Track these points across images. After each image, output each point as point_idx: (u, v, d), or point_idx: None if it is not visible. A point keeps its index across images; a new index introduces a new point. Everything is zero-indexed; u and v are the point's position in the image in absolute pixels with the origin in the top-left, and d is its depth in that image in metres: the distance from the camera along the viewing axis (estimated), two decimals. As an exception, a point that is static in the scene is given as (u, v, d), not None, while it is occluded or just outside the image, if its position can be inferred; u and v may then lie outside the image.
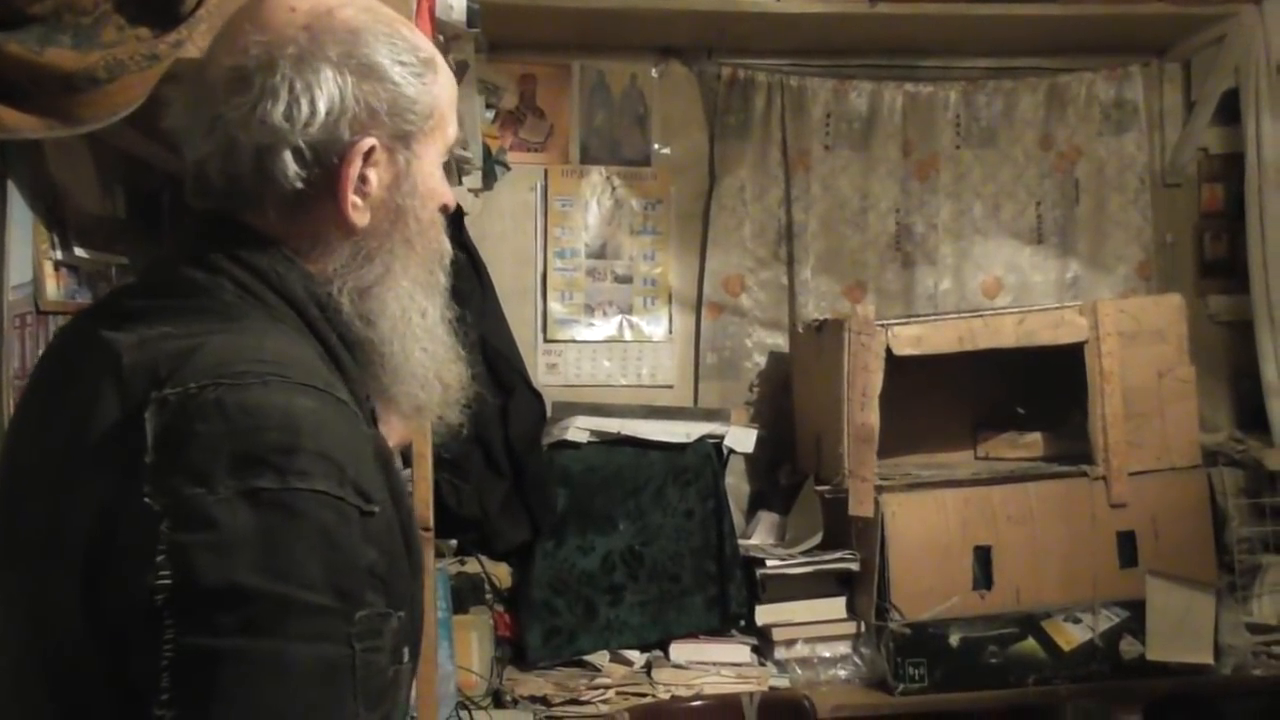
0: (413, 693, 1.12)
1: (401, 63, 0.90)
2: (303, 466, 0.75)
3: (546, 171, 2.88)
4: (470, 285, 2.52)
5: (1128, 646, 2.31)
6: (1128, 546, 2.37)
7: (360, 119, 0.87)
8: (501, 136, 2.80)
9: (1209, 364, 2.80)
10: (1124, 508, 2.37)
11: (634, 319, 2.90)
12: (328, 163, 0.87)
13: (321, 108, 0.86)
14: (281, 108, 0.85)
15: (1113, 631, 2.31)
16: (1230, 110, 2.90)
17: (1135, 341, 2.41)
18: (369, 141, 0.88)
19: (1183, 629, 2.28)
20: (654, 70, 2.92)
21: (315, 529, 0.74)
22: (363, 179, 0.88)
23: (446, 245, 0.98)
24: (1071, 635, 2.30)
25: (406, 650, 0.85)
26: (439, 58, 0.94)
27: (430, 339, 0.94)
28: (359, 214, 0.89)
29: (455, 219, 2.53)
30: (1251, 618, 2.47)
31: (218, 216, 0.89)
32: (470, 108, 2.48)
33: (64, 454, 0.80)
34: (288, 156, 0.86)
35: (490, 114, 2.72)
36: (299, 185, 0.86)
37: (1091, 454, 2.39)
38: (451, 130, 0.95)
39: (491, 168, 2.72)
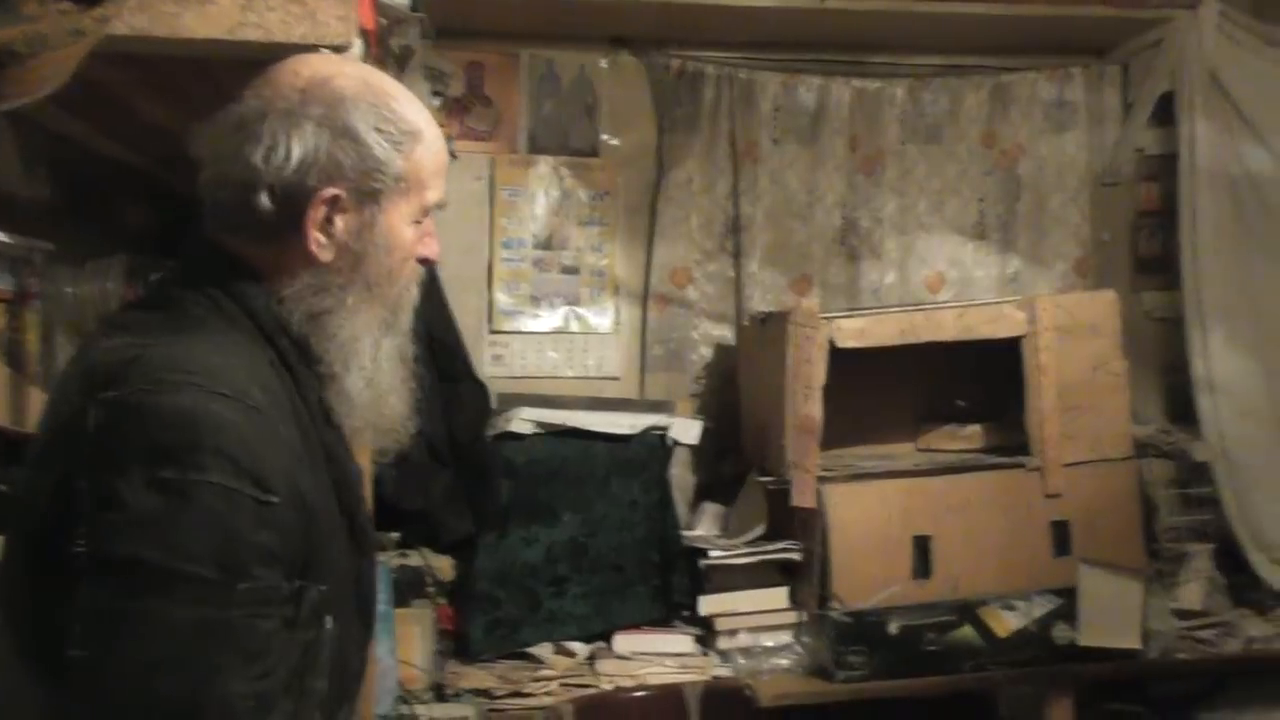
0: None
1: (379, 130, 1.04)
2: (200, 461, 0.90)
3: (493, 161, 2.86)
4: None
5: (1061, 632, 2.35)
6: (1061, 535, 2.41)
7: (329, 171, 1.02)
8: (448, 124, 2.75)
9: (1142, 358, 2.86)
10: (1058, 498, 2.42)
11: (580, 310, 2.89)
12: (296, 203, 1.02)
13: (296, 156, 1.01)
14: (261, 151, 1.01)
15: (1046, 618, 2.35)
16: (1166, 112, 2.96)
17: (1071, 336, 2.45)
18: (333, 191, 1.03)
19: (1112, 615, 2.33)
20: (603, 61, 2.91)
21: (205, 513, 0.90)
22: (330, 221, 1.03)
23: (414, 293, 1.12)
24: (1007, 622, 2.35)
25: (330, 618, 1.00)
26: (429, 131, 1.09)
27: (376, 371, 1.08)
28: (323, 251, 1.03)
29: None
30: (1177, 604, 2.53)
31: (207, 240, 1.05)
32: (415, 94, 2.44)
33: (45, 440, 0.98)
34: (263, 194, 1.01)
35: (436, 101, 2.68)
36: (271, 219, 1.02)
37: (1028, 446, 2.44)
38: (432, 194, 1.08)
39: (438, 156, 2.69)
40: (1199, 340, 2.79)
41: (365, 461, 1.70)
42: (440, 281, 2.55)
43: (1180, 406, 2.91)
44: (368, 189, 1.04)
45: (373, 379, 1.08)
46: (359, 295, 1.05)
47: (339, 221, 1.03)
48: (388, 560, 2.27)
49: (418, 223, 1.08)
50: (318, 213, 1.02)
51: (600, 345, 2.90)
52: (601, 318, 2.90)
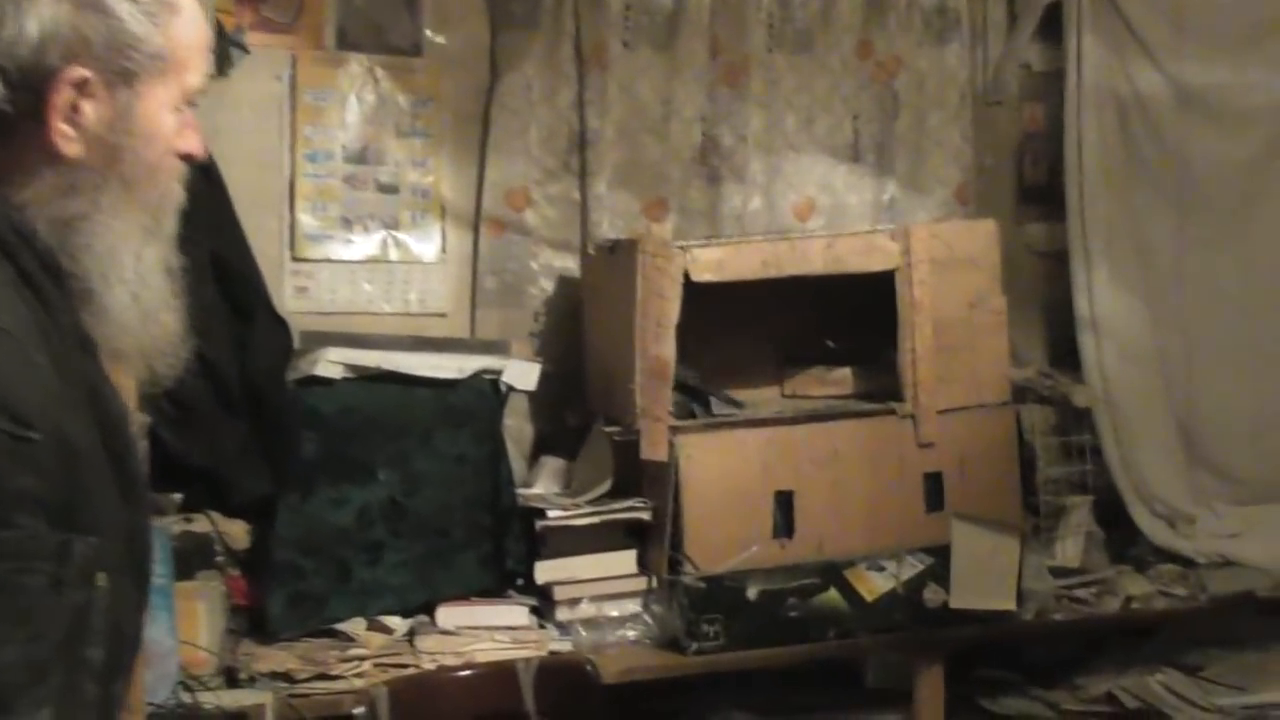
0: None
1: None
2: None
3: (295, 58, 2.77)
4: (199, 191, 2.41)
5: (932, 594, 2.45)
6: (935, 489, 2.53)
7: (73, 48, 0.98)
8: (238, 12, 2.65)
9: (1025, 295, 2.98)
10: (932, 448, 2.53)
11: (400, 236, 2.84)
12: (35, 87, 0.98)
13: (31, 30, 0.96)
14: None
15: (917, 579, 2.45)
16: (1054, 25, 3.08)
17: (948, 270, 2.56)
18: (81, 72, 0.99)
19: (987, 575, 2.44)
20: (426, -58, 2.86)
21: None
22: (76, 108, 0.99)
23: (178, 191, 1.10)
24: (875, 585, 2.44)
25: (104, 576, 0.97)
26: (186, 1, 1.07)
27: (141, 285, 1.06)
28: (69, 144, 1.00)
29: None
30: (1055, 561, 2.69)
31: None
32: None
33: None
34: None
35: (222, -17, 2.59)
36: (4, 107, 0.98)
37: (900, 390, 2.53)
38: (194, 76, 1.07)
39: (226, 49, 2.61)
40: (1083, 276, 2.94)
41: (135, 405, 1.67)
42: (229, 199, 2.50)
43: (1062, 348, 3.06)
44: (120, 69, 1.02)
45: (138, 294, 1.06)
46: (116, 196, 1.04)
47: (88, 109, 1.01)
48: (168, 525, 2.22)
49: (178, 110, 1.07)
50: (62, 98, 0.99)
51: (423, 276, 2.86)
52: (425, 244, 2.86)
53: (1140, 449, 2.90)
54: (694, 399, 2.55)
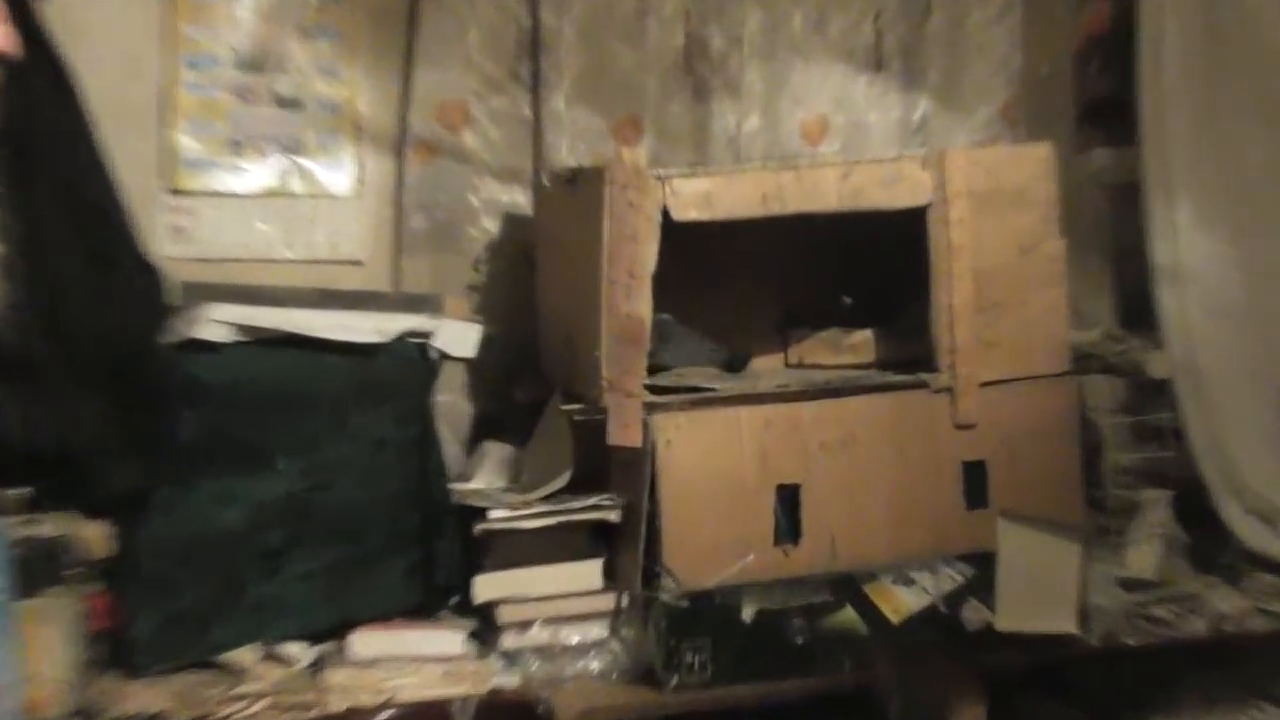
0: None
1: None
2: None
3: (173, -63, 2.71)
4: (49, 105, 2.41)
5: (972, 613, 2.43)
6: (976, 481, 2.50)
7: None
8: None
9: (1089, 238, 2.99)
10: (973, 430, 2.50)
11: (305, 162, 2.83)
12: None
13: None
14: None
15: (954, 595, 2.44)
16: (1123, -104, 3.02)
17: (993, 206, 2.50)
18: None
19: (1041, 589, 2.42)
20: None
21: None
22: None
23: None
24: (902, 602, 2.43)
25: None
26: None
27: None
28: None
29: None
30: (1126, 571, 2.65)
31: None
32: None
33: None
34: None
35: None
36: None
37: (934, 358, 2.50)
38: None
39: (84, -75, 2.56)
40: (1162, 214, 2.86)
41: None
42: (87, 115, 2.43)
43: (1136, 304, 2.99)
44: None
45: None
46: None
47: None
48: (8, 528, 2.21)
49: None
50: None
51: (334, 214, 2.85)
52: (335, 174, 2.84)
53: (1231, 430, 2.81)
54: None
